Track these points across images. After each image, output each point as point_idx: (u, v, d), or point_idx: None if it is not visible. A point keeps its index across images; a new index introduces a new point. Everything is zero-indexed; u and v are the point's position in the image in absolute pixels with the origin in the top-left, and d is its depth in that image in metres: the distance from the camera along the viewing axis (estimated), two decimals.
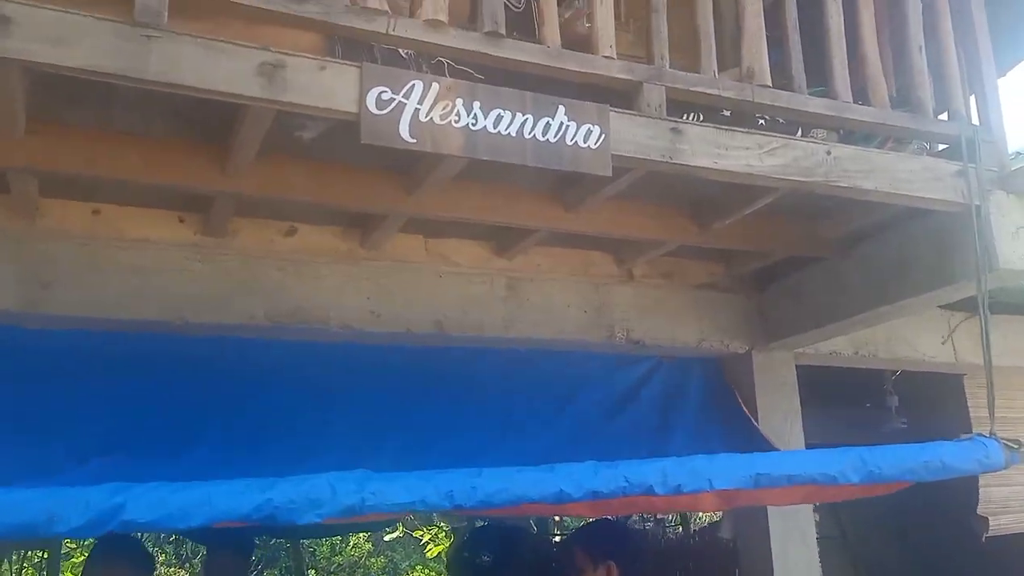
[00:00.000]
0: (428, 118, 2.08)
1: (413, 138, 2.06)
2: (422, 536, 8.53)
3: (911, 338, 3.86)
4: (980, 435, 2.31)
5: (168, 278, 2.68)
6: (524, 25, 2.65)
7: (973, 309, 3.60)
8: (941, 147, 2.98)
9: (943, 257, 2.78)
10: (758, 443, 3.25)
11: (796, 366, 3.72)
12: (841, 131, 2.86)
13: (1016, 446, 2.27)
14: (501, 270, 3.23)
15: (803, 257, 3.36)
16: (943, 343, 3.88)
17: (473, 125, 2.13)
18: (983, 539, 4.25)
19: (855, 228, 3.10)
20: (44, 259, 2.57)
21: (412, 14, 2.18)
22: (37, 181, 2.41)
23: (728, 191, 2.82)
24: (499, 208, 2.80)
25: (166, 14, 1.86)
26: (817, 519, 3.80)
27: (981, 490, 4.27)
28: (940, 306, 3.66)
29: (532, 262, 3.28)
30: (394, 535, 9.08)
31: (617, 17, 2.57)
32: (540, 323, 3.24)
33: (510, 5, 2.32)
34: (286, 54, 1.94)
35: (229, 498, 1.69)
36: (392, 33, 2.13)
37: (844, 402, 4.60)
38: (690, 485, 2.02)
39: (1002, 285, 2.78)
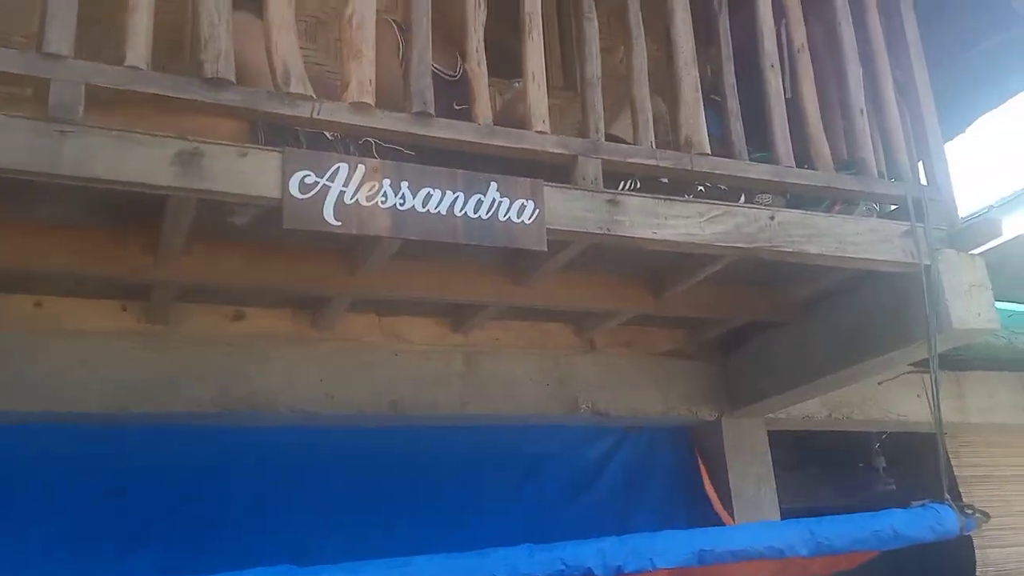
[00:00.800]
0: (354, 200, 2.06)
1: (338, 221, 2.04)
2: None
3: (885, 398, 3.80)
4: (932, 502, 2.23)
5: (111, 368, 2.65)
6: (462, 93, 2.65)
7: (946, 366, 3.56)
8: (893, 207, 2.96)
9: (899, 318, 2.73)
10: (715, 519, 3.16)
11: (774, 431, 3.65)
12: (788, 195, 2.85)
13: (971, 511, 2.18)
14: (457, 346, 3.19)
15: (765, 321, 3.32)
16: (918, 397, 3.80)
17: (401, 205, 2.11)
18: None
19: (813, 291, 3.07)
20: None
21: (338, 96, 2.19)
22: None
23: (678, 259, 2.80)
24: (447, 285, 2.77)
25: (81, 109, 1.86)
26: None
27: (978, 552, 4.15)
28: (912, 364, 3.61)
29: (489, 336, 3.24)
30: None
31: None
32: (500, 399, 3.19)
33: (442, 74, 2.33)
34: (204, 142, 1.93)
35: None
36: (317, 117, 2.13)
37: (830, 465, 4.50)
38: (631, 565, 1.94)
39: (958, 344, 2.74)
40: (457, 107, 2.64)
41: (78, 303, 2.66)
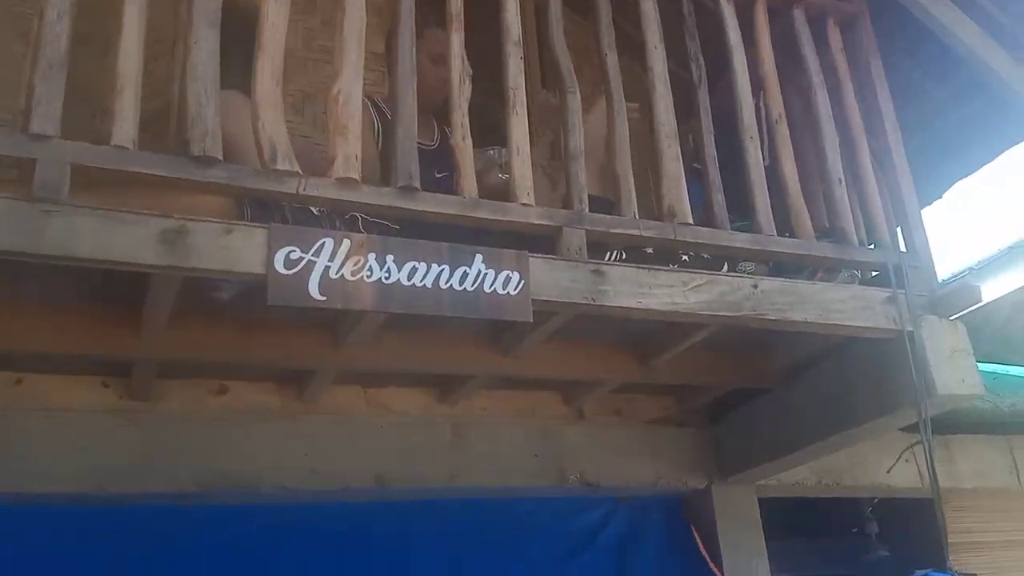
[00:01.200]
0: (339, 275, 2.06)
1: (323, 296, 2.03)
2: None
3: (875, 464, 3.77)
4: (935, 571, 2.20)
5: (89, 446, 2.59)
6: (442, 161, 2.67)
7: (935, 430, 3.55)
8: (874, 274, 2.99)
9: (883, 385, 2.73)
10: None
11: (764, 498, 3.61)
12: (771, 263, 2.88)
13: None
14: (445, 417, 3.16)
15: (753, 387, 3.32)
16: (904, 461, 3.77)
17: (386, 279, 2.12)
18: None
19: (797, 357, 3.08)
20: None
21: (324, 170, 2.21)
22: None
23: (664, 327, 2.80)
24: (433, 357, 2.76)
25: (66, 189, 1.86)
26: None
27: None
28: (901, 429, 3.60)
29: (477, 406, 3.22)
30: None
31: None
32: (488, 471, 3.14)
33: (421, 144, 2.36)
34: (189, 219, 1.94)
35: None
36: (303, 193, 2.15)
37: (823, 532, 4.44)
38: None
39: (943, 410, 2.74)
40: (438, 175, 2.67)
41: (59, 380, 2.62)
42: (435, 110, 2.92)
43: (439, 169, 2.68)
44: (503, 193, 2.44)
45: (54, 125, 1.88)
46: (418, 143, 2.33)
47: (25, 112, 1.94)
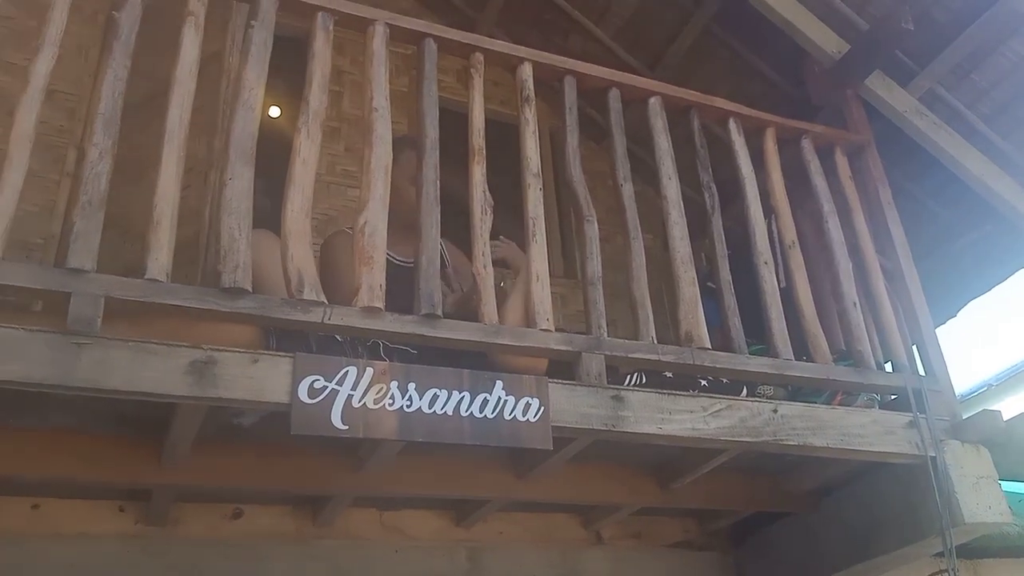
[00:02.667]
0: (361, 403, 2.09)
1: (345, 425, 2.05)
2: None
3: None
4: None
5: (104, 574, 2.57)
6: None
7: (962, 554, 3.46)
8: (893, 397, 2.99)
9: (910, 512, 2.70)
10: None
11: None
12: (789, 387, 2.88)
13: None
14: (460, 541, 3.12)
15: (773, 511, 3.27)
16: None
17: (408, 407, 2.13)
18: None
19: (819, 481, 3.05)
20: None
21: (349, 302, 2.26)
22: None
23: (684, 451, 2.79)
24: (451, 481, 2.74)
25: (99, 321, 1.91)
26: None
27: None
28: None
29: (493, 530, 3.18)
30: None
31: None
32: None
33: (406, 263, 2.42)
34: (217, 350, 1.98)
35: None
36: (328, 323, 2.19)
37: None
38: None
39: (970, 538, 2.69)
40: None
41: (76, 505, 2.62)
42: None
43: None
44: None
45: (91, 260, 1.95)
46: (404, 262, 2.38)
47: (61, 245, 2.00)
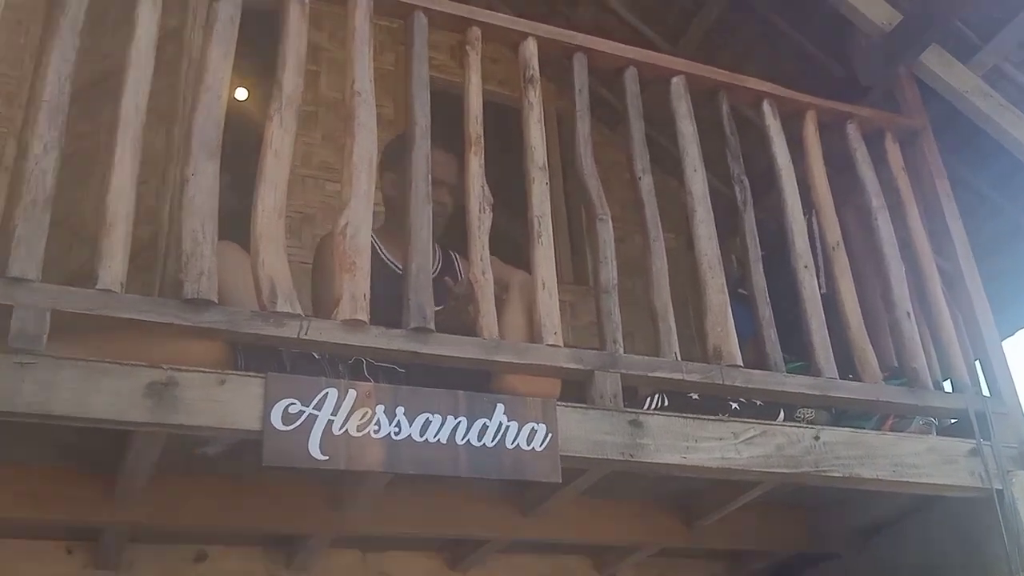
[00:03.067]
0: (343, 430, 2.11)
1: (325, 455, 2.07)
2: None
3: None
4: None
5: None
6: (440, 293, 2.71)
7: None
8: (952, 421, 3.01)
9: (972, 553, 2.73)
10: None
11: None
12: (833, 409, 2.91)
13: None
14: None
15: (818, 552, 3.29)
16: None
17: (396, 435, 2.15)
18: None
19: (869, 519, 3.07)
20: None
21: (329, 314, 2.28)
22: None
23: (712, 484, 2.82)
24: (444, 519, 2.78)
25: (45, 337, 1.94)
26: None
27: None
28: None
29: (493, 574, 3.21)
30: None
31: None
32: None
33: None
34: (178, 370, 2.00)
35: None
36: (305, 338, 2.22)
37: None
38: None
39: None
40: (436, 307, 2.72)
41: (19, 545, 2.66)
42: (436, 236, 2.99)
43: (436, 300, 2.74)
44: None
45: (36, 268, 1.97)
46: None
47: (1, 251, 2.01)
